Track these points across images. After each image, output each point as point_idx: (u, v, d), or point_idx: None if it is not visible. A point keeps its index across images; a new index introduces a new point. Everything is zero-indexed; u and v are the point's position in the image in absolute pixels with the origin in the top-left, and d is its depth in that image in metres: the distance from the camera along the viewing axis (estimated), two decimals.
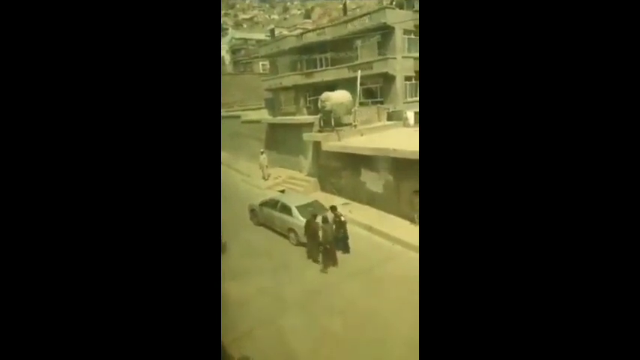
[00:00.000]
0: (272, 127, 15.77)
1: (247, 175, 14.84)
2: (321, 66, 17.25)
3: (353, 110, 12.30)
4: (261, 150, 14.68)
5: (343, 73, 15.59)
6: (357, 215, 9.40)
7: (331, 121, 11.79)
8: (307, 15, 22.11)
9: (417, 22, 14.84)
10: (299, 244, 8.00)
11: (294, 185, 12.53)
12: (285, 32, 20.79)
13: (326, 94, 12.01)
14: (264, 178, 13.89)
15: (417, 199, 8.45)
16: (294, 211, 8.46)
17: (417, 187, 8.03)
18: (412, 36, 14.31)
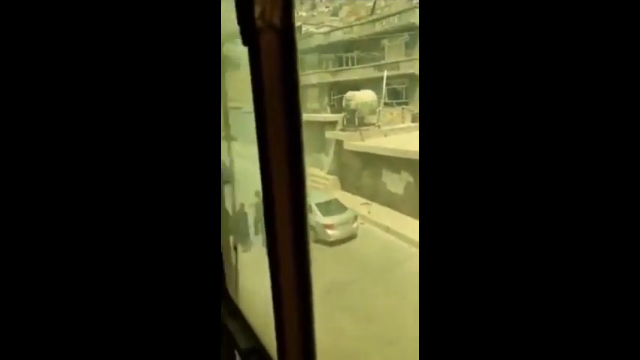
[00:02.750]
0: None
1: None
2: (347, 65, 17.23)
3: (377, 110, 12.25)
4: None
5: (369, 72, 15.51)
6: (375, 216, 9.37)
7: (355, 121, 11.78)
8: (335, 13, 22.08)
9: None
10: (317, 240, 8.07)
11: (314, 182, 12.62)
12: (313, 30, 20.92)
13: (351, 93, 12.02)
14: None
15: None
16: (314, 208, 8.53)
17: None
18: None
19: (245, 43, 0.55)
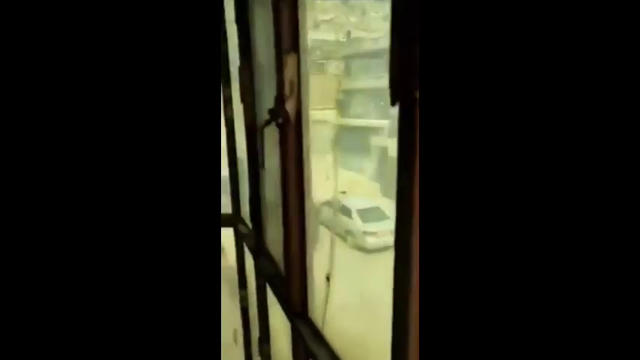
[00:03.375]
0: (340, 128, 15.93)
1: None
2: None
3: None
4: (327, 150, 14.91)
5: None
6: None
7: None
8: (386, 17, 21.83)
9: None
10: (355, 247, 8.03)
11: (356, 188, 12.57)
12: (362, 34, 20.85)
13: None
14: (327, 177, 14.10)
15: None
16: (354, 214, 8.50)
17: None
18: None
19: (395, 103, 0.57)
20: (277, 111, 1.09)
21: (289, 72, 1.02)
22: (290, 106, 1.06)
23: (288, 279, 1.26)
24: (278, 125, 1.13)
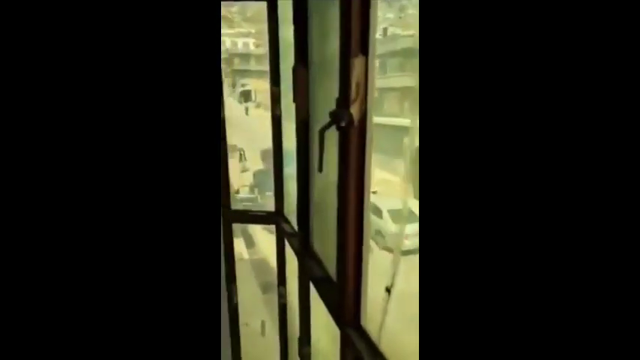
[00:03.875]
0: (373, 126, 15.76)
1: None
2: None
3: None
4: None
5: None
6: None
7: None
8: None
9: None
10: (385, 248, 7.93)
11: (388, 188, 12.40)
12: (399, 32, 20.47)
13: None
14: None
15: None
16: (385, 214, 8.39)
17: None
18: None
19: None
20: (340, 114, 1.06)
21: (356, 74, 0.99)
22: (355, 110, 1.03)
23: (341, 286, 1.24)
24: (339, 128, 1.10)
